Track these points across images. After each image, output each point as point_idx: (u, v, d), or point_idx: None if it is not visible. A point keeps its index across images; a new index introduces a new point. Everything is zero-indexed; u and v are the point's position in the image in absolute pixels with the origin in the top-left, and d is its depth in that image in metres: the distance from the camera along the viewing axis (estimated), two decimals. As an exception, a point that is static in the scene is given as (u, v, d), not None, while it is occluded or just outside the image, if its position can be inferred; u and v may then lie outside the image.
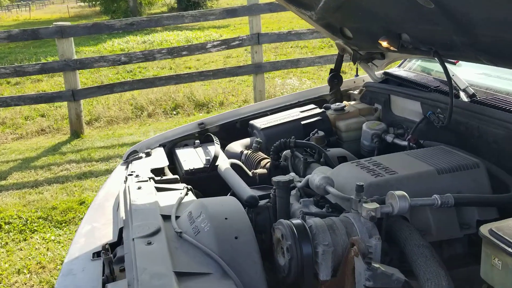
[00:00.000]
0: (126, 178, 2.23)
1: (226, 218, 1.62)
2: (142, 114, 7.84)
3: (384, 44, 2.18)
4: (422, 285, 1.33)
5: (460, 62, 2.42)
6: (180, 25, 13.47)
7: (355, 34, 2.48)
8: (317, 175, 1.77)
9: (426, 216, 1.69)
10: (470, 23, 1.57)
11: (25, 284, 3.50)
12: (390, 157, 1.94)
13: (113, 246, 1.74)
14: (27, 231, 4.24)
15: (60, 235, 4.18)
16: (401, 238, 1.53)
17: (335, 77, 3.01)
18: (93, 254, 1.74)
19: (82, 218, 2.21)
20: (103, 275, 1.52)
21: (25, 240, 4.11)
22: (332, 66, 3.05)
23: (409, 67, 2.95)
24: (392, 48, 2.18)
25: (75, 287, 1.56)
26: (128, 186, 2.02)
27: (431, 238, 1.66)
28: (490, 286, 1.30)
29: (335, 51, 3.14)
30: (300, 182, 1.93)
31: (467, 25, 1.59)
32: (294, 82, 8.82)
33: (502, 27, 1.49)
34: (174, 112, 7.90)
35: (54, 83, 10.00)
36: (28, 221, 4.39)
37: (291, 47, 12.03)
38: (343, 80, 3.07)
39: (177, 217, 1.74)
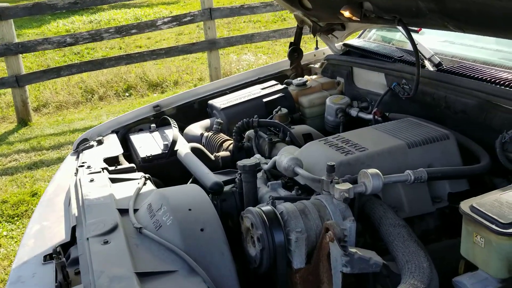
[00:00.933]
0: (77, 170, 2.06)
1: (190, 209, 1.50)
2: (92, 97, 7.51)
3: (346, 14, 2.08)
4: (402, 267, 1.26)
5: (423, 30, 2.35)
6: (128, 2, 12.92)
7: (314, 5, 2.36)
8: (285, 156, 1.67)
9: (398, 193, 1.64)
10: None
11: (-22, 284, 3.29)
12: (358, 133, 1.86)
13: (65, 246, 1.59)
14: (-24, 228, 3.99)
15: (12, 229, 3.98)
16: (376, 218, 1.47)
17: (295, 51, 2.90)
18: (44, 257, 1.58)
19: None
20: (56, 281, 1.37)
21: (-26, 237, 3.87)
22: (287, 39, 2.95)
23: (369, 37, 2.88)
24: (354, 18, 2.08)
25: (25, 297, 1.41)
26: (79, 179, 1.87)
27: (403, 214, 1.61)
28: (468, 263, 1.25)
29: (288, 24, 3.03)
30: (267, 164, 1.84)
31: None
32: (249, 58, 8.66)
33: None
34: (127, 94, 7.62)
35: (-5, 69, 9.42)
36: (-24, 218, 4.13)
37: (244, 22, 11.81)
38: (304, 53, 2.97)
39: (135, 211, 1.62)
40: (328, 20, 2.57)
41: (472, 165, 1.67)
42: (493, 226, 1.11)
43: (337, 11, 2.12)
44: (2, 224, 4.05)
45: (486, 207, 1.17)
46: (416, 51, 1.99)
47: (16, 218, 4.14)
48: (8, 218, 4.15)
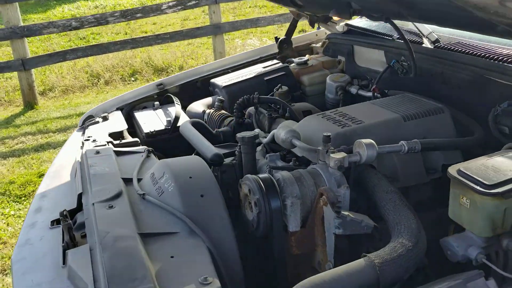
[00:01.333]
0: (83, 143, 2.12)
1: (190, 177, 1.56)
2: (98, 81, 7.56)
3: (336, 17, 2.12)
4: (392, 229, 1.32)
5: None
6: (133, -13, 12.91)
7: (305, 3, 2.40)
8: (283, 129, 1.72)
9: (393, 163, 1.69)
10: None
11: (-14, 261, 3.37)
12: (355, 107, 1.91)
13: (72, 213, 1.65)
14: (-15, 208, 4.08)
15: (20, 209, 4.05)
16: (370, 186, 1.52)
17: (285, 42, 2.94)
18: (52, 222, 1.65)
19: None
20: (63, 242, 1.44)
21: (-18, 217, 3.95)
22: (293, 24, 2.97)
23: (370, 18, 2.90)
24: (344, 19, 2.13)
25: (33, 258, 1.47)
26: (86, 151, 1.92)
27: (398, 184, 1.65)
28: (458, 225, 1.31)
29: (295, 9, 3.03)
30: (266, 137, 1.88)
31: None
32: (254, 42, 8.66)
33: None
34: (132, 79, 7.66)
35: (2, 53, 9.47)
36: (-16, 198, 4.21)
37: (250, 7, 11.77)
38: (306, 33, 3.01)
39: (139, 180, 1.67)
40: (322, 13, 2.59)
41: (465, 138, 1.72)
42: (478, 187, 1.17)
43: (327, 8, 2.14)
44: (10, 204, 4.12)
45: (472, 170, 1.22)
46: (408, 45, 2.02)
47: (23, 198, 4.21)
48: (15, 198, 4.22)
